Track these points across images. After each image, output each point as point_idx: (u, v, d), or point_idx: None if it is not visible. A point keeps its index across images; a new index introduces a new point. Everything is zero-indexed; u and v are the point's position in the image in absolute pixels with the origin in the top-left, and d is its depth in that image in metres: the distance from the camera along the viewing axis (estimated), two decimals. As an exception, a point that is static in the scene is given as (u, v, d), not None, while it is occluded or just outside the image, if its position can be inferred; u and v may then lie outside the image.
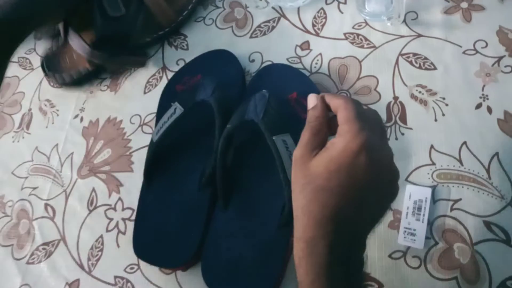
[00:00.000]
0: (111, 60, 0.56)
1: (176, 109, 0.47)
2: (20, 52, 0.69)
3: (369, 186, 0.31)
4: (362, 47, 0.52)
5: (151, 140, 0.49)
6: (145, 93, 0.58)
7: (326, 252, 0.30)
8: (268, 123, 0.42)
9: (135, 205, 0.51)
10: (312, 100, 0.35)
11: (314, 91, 0.50)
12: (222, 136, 0.44)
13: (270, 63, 0.54)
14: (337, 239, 0.30)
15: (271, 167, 0.42)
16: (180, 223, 0.47)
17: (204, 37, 0.59)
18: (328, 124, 0.34)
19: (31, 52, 0.69)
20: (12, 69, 0.68)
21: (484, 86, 0.46)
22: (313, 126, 0.33)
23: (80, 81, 0.61)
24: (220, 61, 0.55)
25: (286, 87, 0.50)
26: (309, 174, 0.31)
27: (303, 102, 0.49)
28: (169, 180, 0.49)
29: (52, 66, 0.60)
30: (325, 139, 0.33)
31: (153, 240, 0.47)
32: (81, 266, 0.51)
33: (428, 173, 0.44)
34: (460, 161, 0.43)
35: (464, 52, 0.48)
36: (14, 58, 0.69)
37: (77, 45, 0.54)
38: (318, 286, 0.30)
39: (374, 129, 0.32)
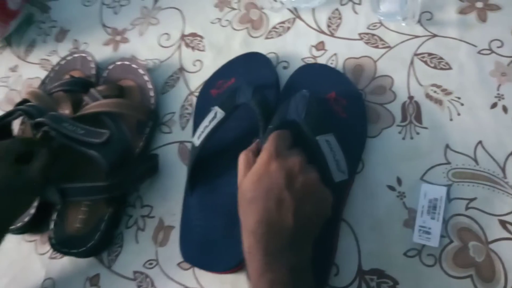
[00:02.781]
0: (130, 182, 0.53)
1: (217, 113, 0.47)
2: (42, 54, 0.71)
3: (287, 187, 0.37)
4: (377, 47, 0.52)
5: (193, 145, 0.49)
6: (162, 93, 0.60)
7: (262, 254, 0.36)
8: (311, 123, 0.41)
9: (153, 203, 0.53)
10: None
11: (353, 89, 0.50)
12: (264, 137, 0.43)
13: (285, 63, 0.55)
14: (270, 240, 0.36)
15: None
16: (226, 227, 0.46)
17: (220, 39, 0.60)
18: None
19: (53, 54, 0.70)
20: (34, 70, 0.70)
21: (499, 85, 0.46)
22: (244, 158, 0.41)
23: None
24: (253, 63, 0.55)
25: (324, 87, 0.50)
26: (241, 192, 0.39)
27: (342, 102, 0.49)
28: (213, 184, 0.49)
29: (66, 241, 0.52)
30: None
31: (201, 245, 0.47)
32: (100, 261, 0.52)
33: (443, 172, 0.44)
34: (475, 160, 0.44)
35: (479, 52, 0.48)
36: (36, 60, 0.71)
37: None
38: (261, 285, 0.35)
39: (286, 147, 0.40)
